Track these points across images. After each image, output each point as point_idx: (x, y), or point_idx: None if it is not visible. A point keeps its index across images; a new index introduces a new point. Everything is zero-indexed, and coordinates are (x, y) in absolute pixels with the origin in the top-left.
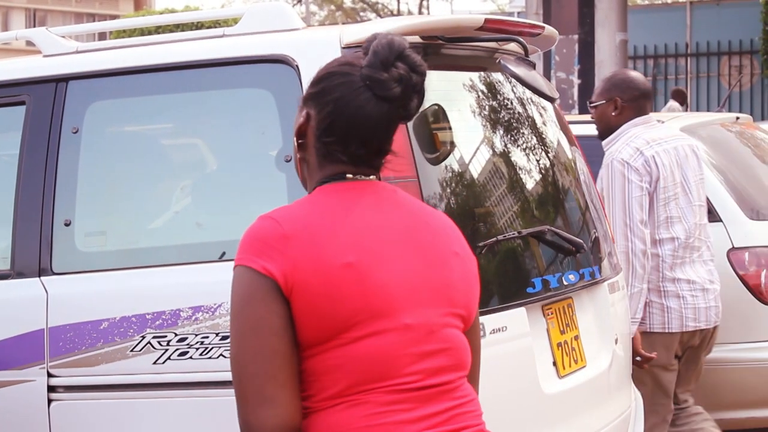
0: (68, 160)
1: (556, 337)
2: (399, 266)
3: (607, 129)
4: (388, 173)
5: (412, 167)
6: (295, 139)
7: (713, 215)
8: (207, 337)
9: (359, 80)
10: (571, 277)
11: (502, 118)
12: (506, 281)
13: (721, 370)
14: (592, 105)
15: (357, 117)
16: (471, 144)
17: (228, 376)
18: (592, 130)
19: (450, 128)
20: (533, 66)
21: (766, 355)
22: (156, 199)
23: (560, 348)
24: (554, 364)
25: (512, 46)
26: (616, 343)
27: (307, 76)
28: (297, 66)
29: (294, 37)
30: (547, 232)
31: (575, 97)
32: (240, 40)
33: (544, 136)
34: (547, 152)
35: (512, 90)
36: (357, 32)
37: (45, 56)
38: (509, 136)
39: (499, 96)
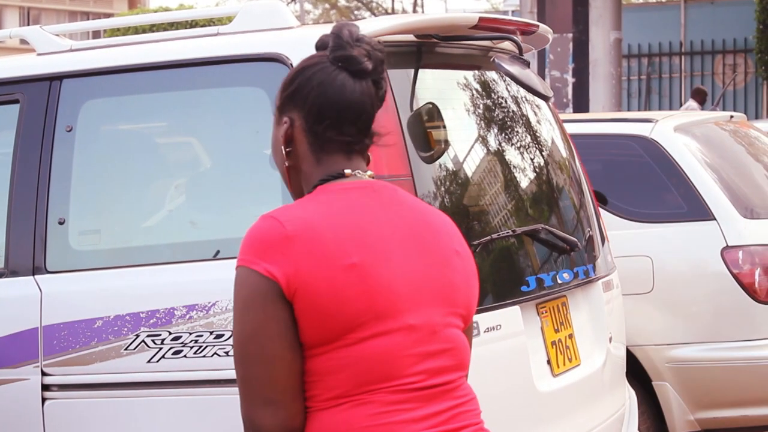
0: (62, 158)
1: (550, 335)
2: (402, 266)
3: None
4: (382, 171)
5: (406, 165)
6: (283, 148)
7: (707, 214)
8: (201, 336)
9: (331, 65)
10: (566, 275)
11: (496, 117)
12: (500, 280)
13: (715, 368)
14: None
15: (342, 96)
16: (465, 142)
17: (222, 374)
18: (586, 128)
19: (444, 127)
20: (527, 64)
21: (760, 353)
22: (150, 197)
23: (554, 346)
24: (548, 362)
25: (507, 45)
26: (610, 341)
27: None
28: (291, 64)
29: (288, 36)
30: (542, 230)
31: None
32: (234, 39)
33: (538, 134)
34: (541, 151)
35: (507, 88)
36: None
37: (39, 54)
38: (504, 135)
39: (493, 95)
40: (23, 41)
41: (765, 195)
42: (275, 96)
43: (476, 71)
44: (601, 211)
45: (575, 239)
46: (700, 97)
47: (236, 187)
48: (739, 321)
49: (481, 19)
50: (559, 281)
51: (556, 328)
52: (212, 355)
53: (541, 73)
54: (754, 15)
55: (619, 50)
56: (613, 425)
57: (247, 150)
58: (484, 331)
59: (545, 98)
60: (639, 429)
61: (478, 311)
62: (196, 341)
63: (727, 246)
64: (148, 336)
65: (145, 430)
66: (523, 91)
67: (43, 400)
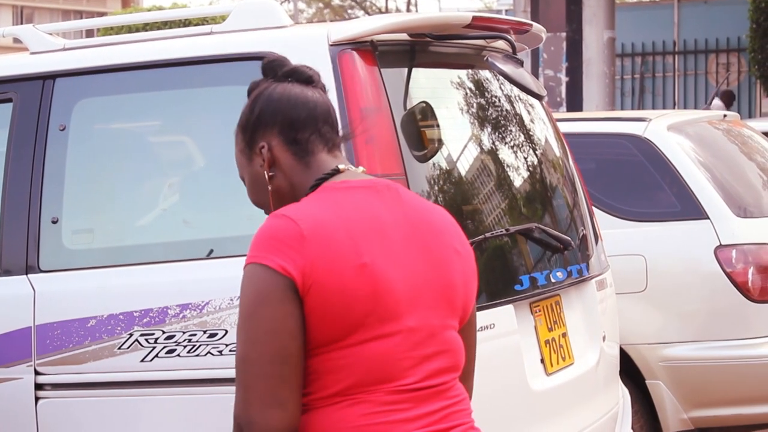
0: (55, 157)
1: (543, 334)
2: (405, 267)
3: None
4: (376, 170)
5: (399, 164)
6: (266, 174)
7: (701, 213)
8: (195, 335)
9: (282, 80)
10: (559, 274)
11: (489, 116)
12: (494, 278)
13: (709, 367)
14: None
15: (307, 100)
16: (459, 141)
17: (215, 373)
18: (579, 127)
19: (438, 126)
20: (521, 63)
21: (754, 352)
22: (144, 196)
23: (548, 345)
24: (542, 361)
25: (500, 44)
26: (603, 340)
27: None
28: None
29: (282, 35)
30: (535, 229)
31: (563, 95)
32: (228, 38)
33: (531, 133)
34: (534, 150)
35: (500, 87)
36: (345, 29)
37: (32, 53)
38: (497, 134)
39: (486, 93)
40: (16, 40)
41: (758, 194)
42: (236, 140)
43: (470, 70)
44: (595, 210)
45: (569, 238)
46: (728, 98)
47: (230, 186)
48: (732, 320)
49: (474, 18)
50: (553, 280)
51: (549, 326)
52: (206, 354)
53: (535, 72)
54: (747, 14)
55: (612, 49)
56: (607, 424)
57: None
58: (478, 330)
59: (539, 97)
60: (632, 428)
61: None
62: (189, 340)
63: (721, 245)
64: (141, 335)
65: (138, 429)
66: (516, 90)
67: (37, 399)
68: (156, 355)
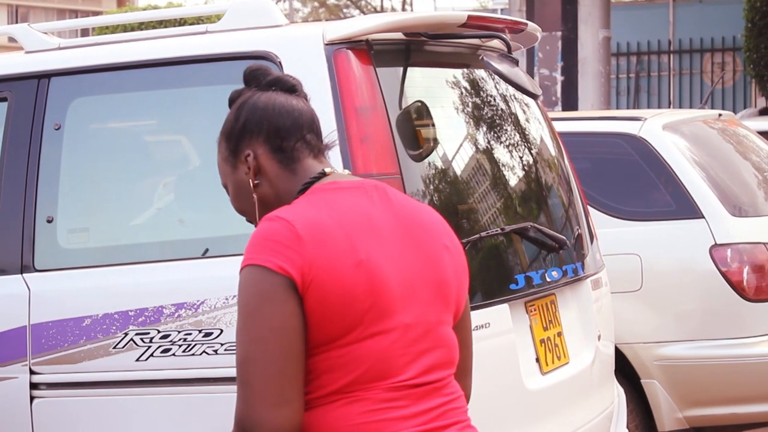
0: (50, 156)
1: (539, 333)
2: (399, 265)
3: None
4: (371, 170)
5: (395, 164)
6: (251, 182)
7: (696, 212)
8: (190, 334)
9: (266, 89)
10: (554, 273)
11: (485, 115)
12: (489, 278)
13: (704, 366)
14: None
15: (291, 108)
16: (454, 141)
17: (210, 373)
18: (575, 126)
19: (433, 125)
20: (516, 63)
21: (749, 351)
22: (139, 196)
23: (543, 344)
24: (537, 360)
25: (495, 43)
26: (599, 339)
27: (290, 73)
28: (280, 62)
29: (277, 34)
30: (530, 228)
31: (558, 94)
32: (223, 37)
33: (527, 132)
34: (530, 149)
35: (495, 87)
36: (340, 29)
37: (27, 52)
38: (492, 133)
39: (482, 93)
40: (11, 39)
41: (753, 193)
42: (220, 148)
43: (465, 69)
44: (590, 209)
45: (564, 237)
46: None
47: None
48: (727, 319)
49: (469, 17)
50: (548, 279)
51: (544, 326)
52: (201, 354)
53: (530, 72)
54: (742, 13)
55: (607, 48)
56: (602, 423)
57: None
58: (473, 329)
59: (534, 96)
60: (627, 427)
61: None
62: (184, 339)
63: (716, 244)
64: (136, 334)
65: (133, 428)
66: (512, 90)
67: (32, 398)
68: (151, 355)
